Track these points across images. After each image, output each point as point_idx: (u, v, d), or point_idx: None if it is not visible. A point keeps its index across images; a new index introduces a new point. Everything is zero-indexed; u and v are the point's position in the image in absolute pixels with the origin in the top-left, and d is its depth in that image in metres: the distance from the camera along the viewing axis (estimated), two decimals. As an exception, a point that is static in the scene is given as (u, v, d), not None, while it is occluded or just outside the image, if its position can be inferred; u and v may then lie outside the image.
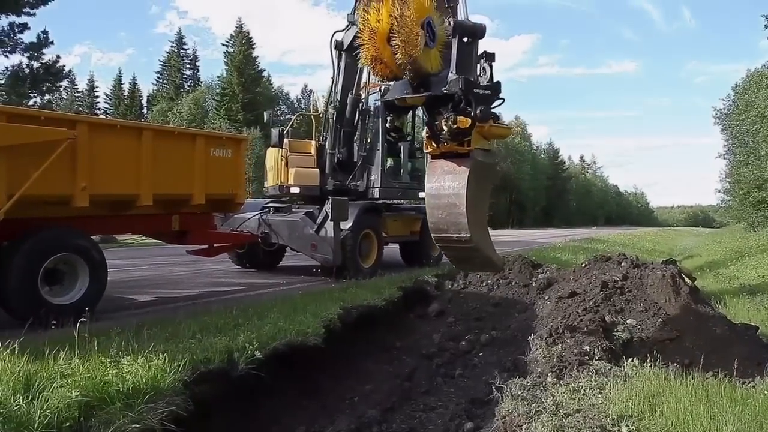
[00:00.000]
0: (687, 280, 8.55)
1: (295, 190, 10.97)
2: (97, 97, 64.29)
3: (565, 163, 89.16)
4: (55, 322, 5.10)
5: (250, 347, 4.90)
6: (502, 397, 5.25)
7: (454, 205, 4.94)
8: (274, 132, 11.15)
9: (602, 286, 8.33)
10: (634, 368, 6.07)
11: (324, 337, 5.94)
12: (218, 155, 7.59)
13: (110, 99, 64.16)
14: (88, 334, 4.57)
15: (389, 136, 11.55)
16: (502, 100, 5.11)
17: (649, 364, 6.20)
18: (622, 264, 9.49)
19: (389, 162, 11.67)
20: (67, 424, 3.36)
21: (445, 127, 4.85)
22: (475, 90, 4.88)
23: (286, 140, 11.00)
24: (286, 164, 10.84)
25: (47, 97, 27.83)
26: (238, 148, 7.99)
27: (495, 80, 5.11)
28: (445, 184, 5.00)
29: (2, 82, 23.54)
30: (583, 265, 9.98)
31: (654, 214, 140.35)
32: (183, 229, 7.90)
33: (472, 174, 4.93)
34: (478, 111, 4.78)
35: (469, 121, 4.79)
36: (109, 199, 6.51)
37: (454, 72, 4.91)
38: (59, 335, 4.64)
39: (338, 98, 11.08)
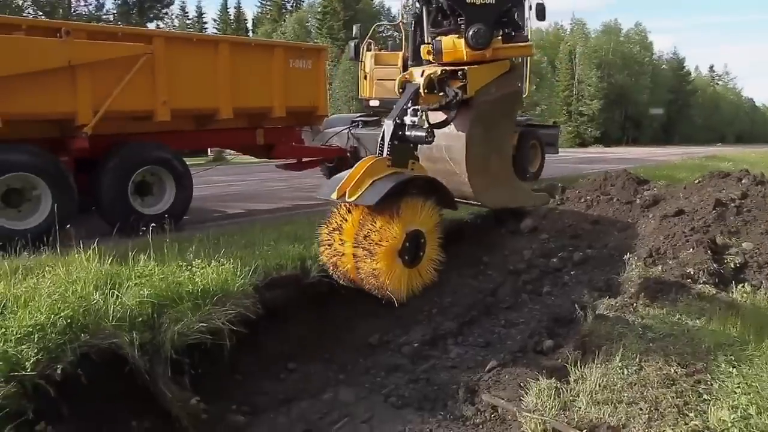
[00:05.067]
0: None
1: (374, 103, 10.69)
2: (205, 23, 66.37)
3: (690, 74, 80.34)
4: (144, 229, 5.39)
5: (323, 255, 4.90)
6: (585, 316, 4.94)
7: (452, 173, 4.17)
8: (351, 45, 10.80)
9: (716, 204, 7.46)
10: (744, 295, 5.47)
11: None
12: (298, 66, 7.45)
13: (218, 24, 66.00)
14: (172, 241, 4.78)
15: None
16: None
17: (764, 291, 5.56)
18: (743, 181, 8.42)
19: None
20: (140, 319, 3.55)
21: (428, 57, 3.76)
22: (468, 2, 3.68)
23: (369, 53, 10.62)
24: (365, 77, 10.53)
25: (156, 23, 29.00)
26: (318, 58, 7.80)
27: None
28: (439, 144, 3.97)
29: (113, 10, 24.75)
30: (696, 181, 8.98)
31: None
32: (268, 143, 7.99)
33: (477, 124, 4.00)
34: (470, 32, 3.62)
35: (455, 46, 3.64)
36: (190, 112, 6.66)
37: None
38: (146, 242, 4.89)
39: (415, 4, 10.43)
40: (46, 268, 3.92)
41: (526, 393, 3.47)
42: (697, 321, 4.63)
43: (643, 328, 4.46)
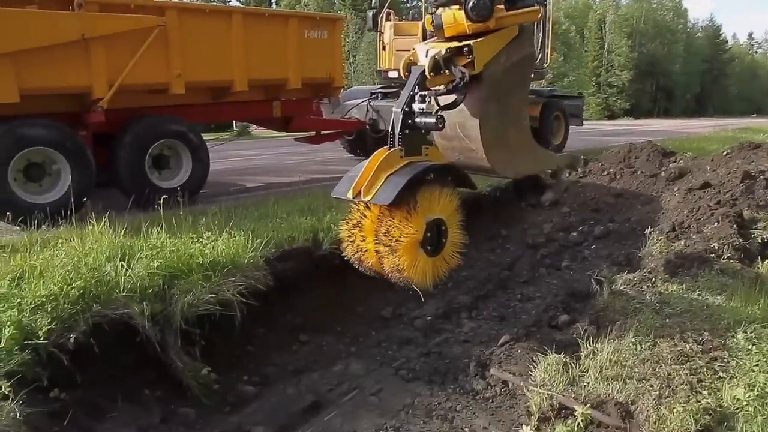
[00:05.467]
0: None
1: (393, 74, 10.50)
2: (230, -5, 65.98)
3: (727, 42, 77.31)
4: (160, 202, 5.45)
5: (336, 228, 4.88)
6: (601, 290, 4.85)
7: (469, 149, 3.87)
8: (369, 15, 10.58)
9: (743, 176, 7.23)
10: (771, 270, 5.30)
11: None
12: (313, 37, 7.36)
13: (241, -4, 65.57)
14: (187, 213, 4.82)
15: None
16: None
17: (792, 267, 5.38)
18: (775, 153, 8.13)
19: None
20: (151, 290, 3.59)
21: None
22: None
23: (389, 23, 10.42)
24: (383, 47, 10.35)
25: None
26: (334, 28, 7.68)
27: None
28: (452, 121, 3.67)
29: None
30: (724, 153, 8.69)
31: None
32: (285, 116, 7.95)
33: (490, 98, 3.67)
34: (469, 4, 3.29)
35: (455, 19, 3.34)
36: (205, 85, 6.64)
37: None
38: (163, 214, 4.94)
39: None
40: (62, 241, 3.98)
41: (535, 367, 3.43)
42: (718, 297, 4.51)
43: (660, 304, 4.36)
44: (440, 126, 3.21)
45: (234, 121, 18.01)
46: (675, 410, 2.96)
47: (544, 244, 7.27)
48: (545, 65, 10.61)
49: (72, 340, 3.11)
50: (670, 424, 2.87)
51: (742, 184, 7.14)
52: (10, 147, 5.40)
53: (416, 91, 3.21)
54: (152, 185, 6.17)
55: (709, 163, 8.60)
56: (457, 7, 3.36)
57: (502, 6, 3.40)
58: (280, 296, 4.48)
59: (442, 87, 3.41)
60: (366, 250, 3.26)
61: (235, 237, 4.25)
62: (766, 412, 2.95)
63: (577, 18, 56.84)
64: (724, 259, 5.49)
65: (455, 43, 3.36)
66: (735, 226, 6.11)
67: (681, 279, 4.94)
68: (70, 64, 5.61)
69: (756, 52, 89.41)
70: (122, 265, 3.62)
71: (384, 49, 10.47)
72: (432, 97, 3.31)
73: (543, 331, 4.79)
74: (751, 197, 6.94)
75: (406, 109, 3.17)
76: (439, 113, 3.25)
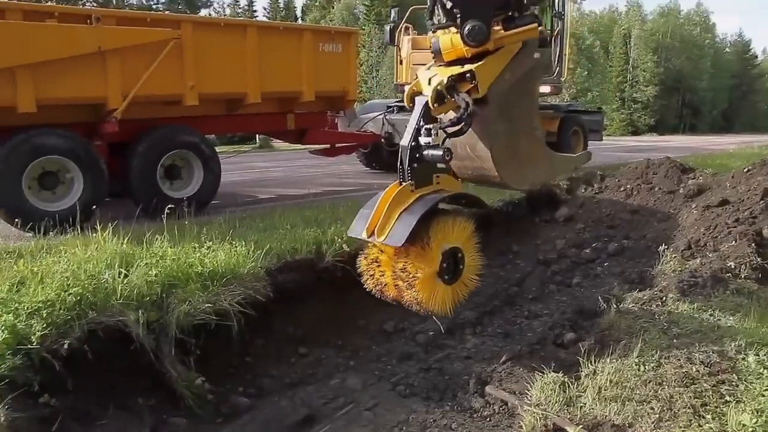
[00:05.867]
0: None
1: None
2: (255, 11, 67.24)
3: (757, 57, 75.91)
4: (168, 212, 5.51)
5: (339, 240, 4.88)
6: (608, 308, 4.74)
7: (480, 168, 3.85)
8: (387, 29, 10.65)
9: (764, 194, 7.02)
10: (790, 292, 5.12)
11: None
12: (327, 50, 7.42)
13: (267, 12, 66.75)
14: (194, 224, 4.87)
15: None
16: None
17: (812, 289, 5.18)
18: (799, 169, 7.89)
19: None
20: (148, 298, 3.62)
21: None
22: None
23: (407, 37, 10.47)
24: (400, 62, 10.39)
25: (205, 11, 29.56)
26: (348, 42, 7.74)
27: None
28: (463, 142, 3.63)
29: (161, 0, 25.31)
30: (746, 170, 8.45)
31: None
32: (300, 128, 8.01)
33: (497, 119, 3.61)
34: (465, 30, 3.16)
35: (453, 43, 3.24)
36: (218, 97, 6.73)
37: None
38: (169, 224, 4.98)
39: None
40: (65, 248, 4.04)
41: (531, 386, 3.34)
42: (731, 318, 4.35)
43: (668, 323, 4.23)
44: (448, 159, 3.20)
45: (257, 134, 18.26)
46: (674, 434, 2.86)
47: (555, 260, 7.15)
48: (562, 79, 10.52)
49: (66, 346, 3.14)
50: (669, 449, 2.77)
51: (762, 202, 6.93)
52: (25, 155, 5.54)
53: (422, 123, 3.20)
54: (163, 195, 6.26)
55: (729, 179, 8.38)
56: (455, 30, 3.27)
57: (500, 26, 3.32)
58: (281, 308, 4.47)
59: (447, 117, 3.36)
60: (386, 284, 3.31)
61: (236, 247, 4.26)
62: (772, 440, 2.83)
63: (602, 33, 56.46)
64: (740, 278, 5.32)
65: (457, 69, 3.29)
66: (753, 244, 5.92)
67: (693, 298, 4.80)
68: (86, 76, 5.75)
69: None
70: (120, 273, 3.65)
71: (401, 63, 10.52)
72: (439, 130, 3.27)
73: (548, 349, 4.69)
74: (772, 215, 6.75)
75: (413, 143, 3.16)
76: (446, 146, 3.23)
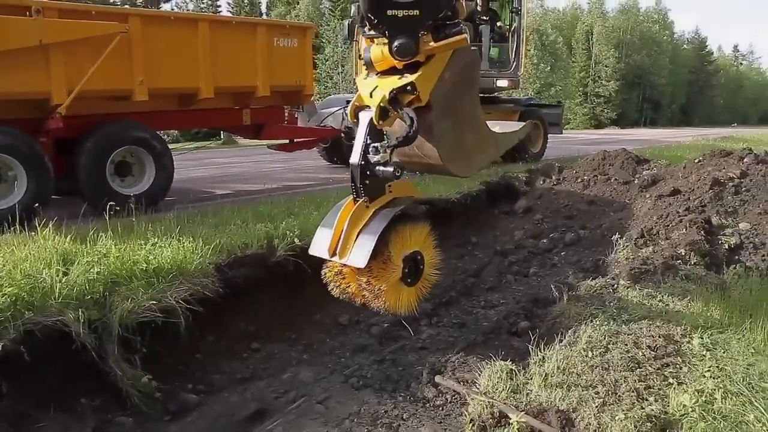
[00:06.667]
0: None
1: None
2: (219, 6, 66.14)
3: (713, 54, 78.36)
4: (117, 209, 5.36)
5: (291, 234, 4.82)
6: (560, 296, 4.80)
7: (429, 164, 3.80)
8: (345, 24, 10.57)
9: (713, 183, 7.24)
10: (735, 276, 5.27)
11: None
12: (282, 45, 7.31)
13: (231, 7, 65.72)
14: (142, 220, 4.75)
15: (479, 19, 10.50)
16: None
17: (758, 274, 5.35)
18: (745, 160, 8.14)
19: None
20: (89, 297, 3.51)
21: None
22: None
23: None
24: (360, 57, 10.33)
25: (166, 6, 28.93)
26: (304, 37, 7.65)
27: None
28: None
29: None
30: (697, 160, 8.71)
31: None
32: (256, 123, 7.89)
33: (441, 119, 3.53)
34: (393, 47, 3.04)
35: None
36: (170, 92, 6.57)
37: None
38: (116, 222, 4.84)
39: None
40: (4, 247, 3.88)
41: (479, 375, 3.36)
42: (679, 303, 4.46)
43: (618, 310, 4.31)
44: (398, 175, 3.22)
45: (221, 131, 17.97)
46: (617, 417, 2.90)
47: (513, 251, 7.23)
48: (519, 73, 10.63)
49: (-1, 348, 3.02)
50: (611, 431, 2.81)
51: (711, 191, 7.15)
52: (-37, 153, 5.31)
53: (369, 141, 3.17)
54: (113, 192, 6.08)
55: (681, 170, 8.61)
56: (384, 41, 3.14)
57: (428, 37, 3.18)
58: (233, 303, 4.39)
59: (394, 135, 3.27)
60: (353, 294, 3.37)
61: (183, 243, 4.16)
62: (710, 418, 2.90)
63: (565, 30, 57.38)
64: (690, 265, 5.46)
65: (397, 81, 3.20)
66: (702, 232, 6.09)
67: (643, 285, 4.90)
68: (27, 70, 5.54)
69: (741, 63, 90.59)
70: (58, 271, 3.52)
71: (360, 58, 10.44)
72: (386, 149, 3.20)
73: (501, 338, 4.74)
74: (719, 204, 6.95)
75: (362, 162, 3.14)
76: (396, 162, 3.26)
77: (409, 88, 3.19)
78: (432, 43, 3.18)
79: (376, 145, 3.17)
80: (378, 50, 3.23)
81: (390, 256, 3.22)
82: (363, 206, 3.21)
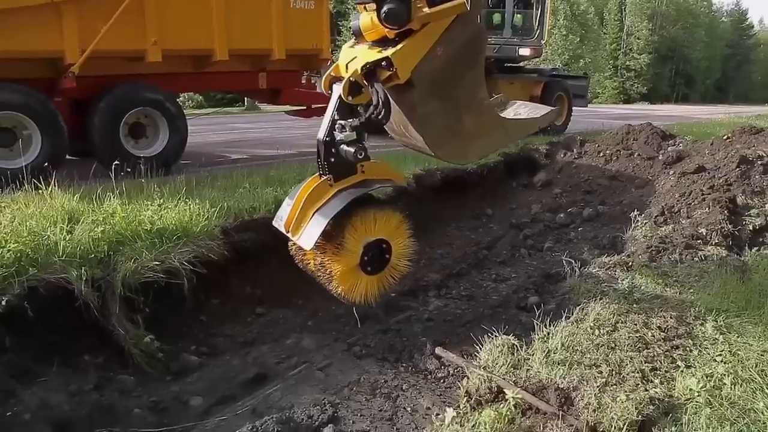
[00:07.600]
0: None
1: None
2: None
3: (753, 27, 75.25)
4: (129, 170, 5.35)
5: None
6: (570, 272, 4.69)
7: (418, 146, 3.54)
8: None
9: (740, 161, 6.98)
10: (757, 259, 5.09)
11: (391, 197, 5.61)
12: (299, 7, 7.14)
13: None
14: (152, 182, 4.73)
15: None
16: None
17: (783, 256, 5.16)
18: (778, 137, 7.83)
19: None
20: (93, 256, 3.51)
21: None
22: None
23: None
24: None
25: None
26: (321, -1, 7.46)
27: None
28: (397, 120, 3.29)
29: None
30: (725, 137, 8.39)
31: None
32: (273, 88, 7.79)
33: (426, 100, 3.21)
34: (381, 12, 2.79)
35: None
36: (183, 53, 6.49)
37: None
38: (128, 182, 4.84)
39: None
40: (5, 204, 3.90)
41: (480, 348, 3.30)
42: (695, 284, 4.32)
43: (630, 288, 4.19)
44: (360, 157, 2.97)
45: (237, 94, 17.91)
46: (618, 398, 2.82)
47: (528, 224, 7.10)
48: (543, 41, 10.30)
49: (3, 302, 3.05)
50: (610, 412, 2.73)
51: (738, 169, 6.89)
52: (-23, 111, 5.33)
53: (336, 117, 2.96)
54: (127, 154, 6.08)
55: (708, 147, 8.32)
56: (374, 7, 2.87)
57: (423, 3, 2.89)
58: (239, 267, 4.39)
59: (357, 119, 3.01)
60: (312, 271, 3.26)
61: (189, 206, 4.14)
62: (716, 404, 2.80)
63: (597, -1, 55.58)
64: (711, 245, 5.29)
65: (374, 54, 2.92)
66: (726, 211, 5.90)
67: (659, 264, 4.77)
68: (41, 28, 5.50)
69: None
70: (63, 230, 3.53)
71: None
72: (351, 127, 2.97)
73: (510, 312, 4.66)
74: (746, 183, 6.70)
75: (327, 139, 2.95)
76: (360, 144, 2.98)
77: (384, 63, 2.88)
78: (426, 9, 2.88)
79: (342, 122, 2.97)
80: (368, 17, 2.96)
81: (344, 243, 3.02)
82: (325, 184, 3.01)
